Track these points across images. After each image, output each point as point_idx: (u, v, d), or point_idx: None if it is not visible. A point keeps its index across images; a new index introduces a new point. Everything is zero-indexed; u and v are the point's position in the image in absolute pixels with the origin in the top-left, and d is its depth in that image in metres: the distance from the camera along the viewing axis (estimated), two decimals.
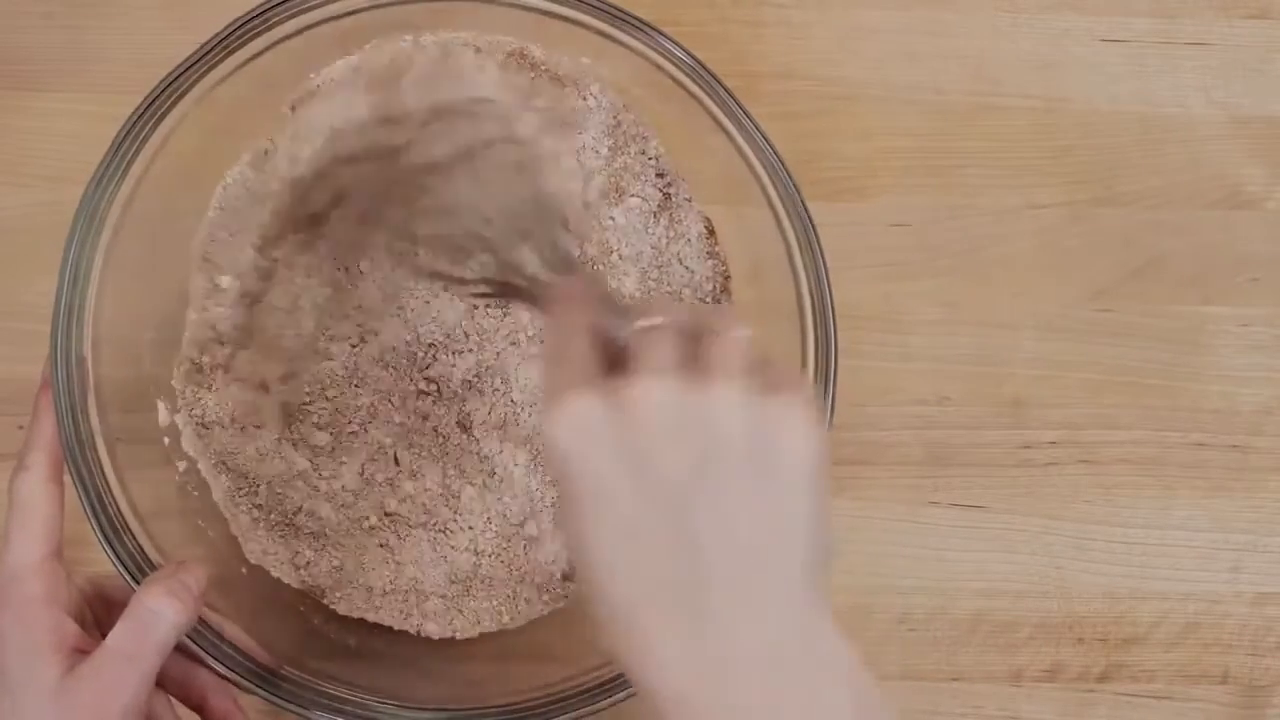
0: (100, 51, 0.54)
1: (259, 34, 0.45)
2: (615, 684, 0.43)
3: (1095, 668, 0.53)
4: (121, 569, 0.42)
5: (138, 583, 0.42)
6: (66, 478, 0.42)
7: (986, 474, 0.54)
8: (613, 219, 0.50)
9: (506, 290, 0.40)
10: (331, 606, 0.49)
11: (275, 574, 0.49)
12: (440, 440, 0.49)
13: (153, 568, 0.42)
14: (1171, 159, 0.56)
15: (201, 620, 0.42)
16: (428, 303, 0.49)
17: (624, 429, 0.31)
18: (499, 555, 0.49)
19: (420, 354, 0.49)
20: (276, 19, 0.45)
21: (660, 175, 0.51)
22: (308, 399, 0.49)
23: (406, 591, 0.49)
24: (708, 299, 0.51)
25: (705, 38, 0.55)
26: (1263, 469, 0.54)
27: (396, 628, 0.49)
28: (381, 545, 0.49)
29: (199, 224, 0.50)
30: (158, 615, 0.39)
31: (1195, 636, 0.53)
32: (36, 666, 0.38)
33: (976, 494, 0.54)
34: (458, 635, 0.49)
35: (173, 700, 0.43)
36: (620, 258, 0.50)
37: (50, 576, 0.40)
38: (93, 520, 0.42)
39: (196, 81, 0.44)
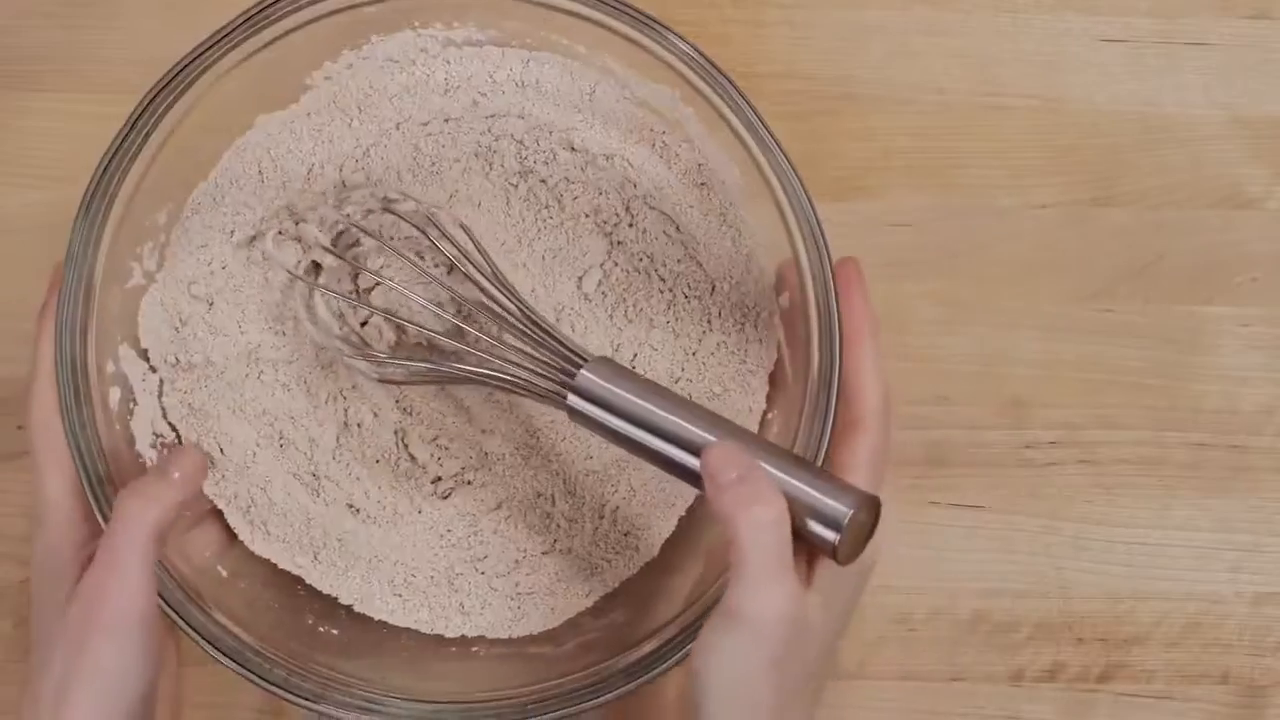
0: (100, 52, 0.54)
1: (261, 29, 0.45)
2: (608, 683, 0.44)
3: (1095, 668, 0.53)
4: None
5: None
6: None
7: (987, 474, 0.54)
8: None
9: None
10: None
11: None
12: None
13: None
14: (1172, 159, 0.56)
15: (200, 608, 0.43)
16: None
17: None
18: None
19: None
20: (279, 14, 0.45)
21: None
22: None
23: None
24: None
25: (707, 38, 0.55)
26: (1263, 469, 0.54)
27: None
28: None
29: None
30: (129, 519, 0.40)
31: (1195, 636, 0.54)
32: (59, 585, 0.40)
33: (977, 494, 0.54)
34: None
35: None
36: None
37: (83, 499, 0.42)
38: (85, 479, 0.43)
39: (199, 76, 0.44)
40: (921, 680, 0.53)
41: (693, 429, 0.41)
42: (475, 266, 0.46)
